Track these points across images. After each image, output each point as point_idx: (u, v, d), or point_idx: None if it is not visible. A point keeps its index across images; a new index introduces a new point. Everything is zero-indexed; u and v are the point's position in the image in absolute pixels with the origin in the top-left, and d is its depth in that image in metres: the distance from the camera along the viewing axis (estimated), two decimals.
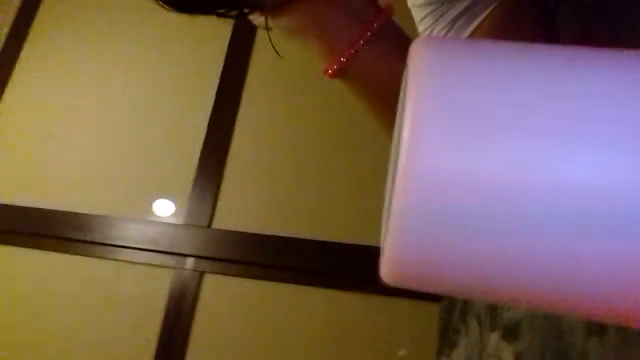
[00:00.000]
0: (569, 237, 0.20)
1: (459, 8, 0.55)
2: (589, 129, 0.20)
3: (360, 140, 1.57)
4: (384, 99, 0.46)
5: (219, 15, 0.48)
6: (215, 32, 1.82)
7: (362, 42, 0.44)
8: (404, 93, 0.22)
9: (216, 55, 1.82)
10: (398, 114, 0.28)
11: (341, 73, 0.45)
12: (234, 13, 0.48)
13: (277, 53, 0.51)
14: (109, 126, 1.84)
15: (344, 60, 0.44)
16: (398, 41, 0.46)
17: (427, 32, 0.57)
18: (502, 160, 0.20)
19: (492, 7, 0.54)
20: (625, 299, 0.21)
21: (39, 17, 2.07)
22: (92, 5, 2.01)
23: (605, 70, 0.21)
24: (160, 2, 0.45)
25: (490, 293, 0.25)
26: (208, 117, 1.75)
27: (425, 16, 0.58)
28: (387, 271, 0.24)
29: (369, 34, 0.44)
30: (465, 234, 0.21)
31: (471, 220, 0.21)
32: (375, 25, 0.44)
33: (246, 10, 0.49)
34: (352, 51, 0.44)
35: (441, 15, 0.57)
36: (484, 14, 0.55)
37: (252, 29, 1.74)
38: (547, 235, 0.21)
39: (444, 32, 0.56)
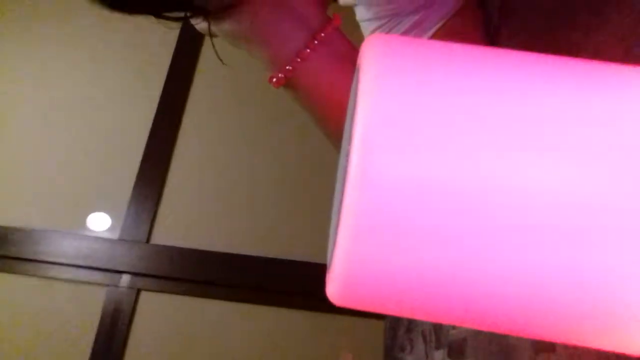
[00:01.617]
0: (522, 248, 0.19)
1: (407, 23, 0.56)
2: (534, 133, 0.19)
3: (305, 153, 1.56)
4: (330, 109, 0.45)
5: (161, 18, 0.45)
6: (159, 40, 1.78)
7: (308, 50, 0.43)
8: (355, 96, 0.21)
9: (159, 67, 1.78)
10: (347, 122, 0.26)
11: (286, 81, 0.44)
12: (176, 17, 0.46)
13: (222, 61, 0.49)
14: (43, 135, 1.74)
15: (290, 68, 0.43)
16: (345, 51, 0.45)
17: None
18: (453, 170, 0.19)
19: (439, 24, 0.55)
20: (573, 314, 0.20)
21: None
22: (35, 11, 1.91)
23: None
24: (102, 3, 0.42)
25: (437, 314, 0.24)
26: (149, 129, 1.70)
27: (374, 30, 0.59)
28: (334, 291, 0.22)
29: (315, 42, 0.43)
30: (414, 249, 0.20)
31: (422, 233, 0.19)
32: (322, 34, 0.43)
33: (188, 15, 0.47)
34: (298, 60, 0.43)
35: (389, 31, 0.57)
36: (432, 31, 0.56)
37: (199, 36, 1.71)
38: (498, 248, 0.19)
39: None
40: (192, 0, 0.43)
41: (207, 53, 1.74)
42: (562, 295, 0.20)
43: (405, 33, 0.55)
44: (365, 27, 0.59)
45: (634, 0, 0.36)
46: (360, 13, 0.59)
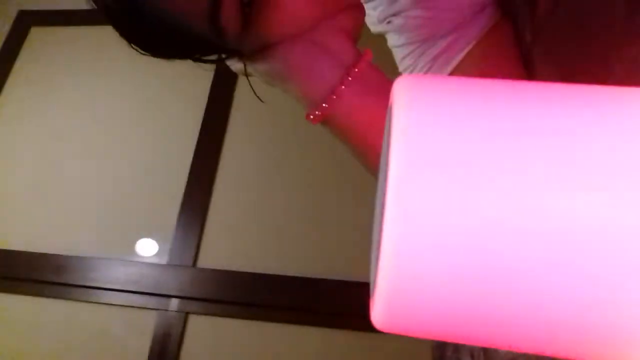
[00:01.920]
0: (570, 283, 0.19)
1: (438, 47, 0.56)
2: (576, 171, 0.19)
3: (347, 178, 1.57)
4: (368, 142, 0.45)
5: (197, 60, 0.48)
6: (198, 72, 1.83)
7: (343, 87, 0.43)
8: (389, 133, 0.22)
9: (200, 94, 1.83)
10: (383, 155, 0.27)
11: (323, 118, 0.44)
12: (211, 59, 0.48)
13: (259, 99, 0.51)
14: (91, 165, 1.82)
15: (326, 105, 0.43)
16: (379, 84, 0.45)
17: (407, 72, 0.58)
18: (494, 205, 0.19)
19: (470, 46, 0.55)
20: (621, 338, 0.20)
21: (20, 61, 2.06)
22: (79, 48, 2.01)
23: (579, 108, 0.21)
24: (139, 50, 0.45)
25: (484, 342, 0.24)
26: (191, 157, 1.74)
27: (406, 56, 0.59)
28: (378, 317, 0.22)
29: (349, 78, 0.43)
30: (458, 282, 0.20)
31: (464, 267, 0.20)
32: (356, 69, 0.43)
33: (224, 56, 0.49)
34: (334, 97, 0.43)
35: (421, 55, 0.57)
36: (463, 53, 0.55)
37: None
38: (546, 282, 0.20)
39: (424, 71, 0.56)
40: (226, 44, 0.44)
41: (244, 79, 1.78)
42: (606, 320, 0.20)
43: (438, 56, 0.55)
44: (397, 53, 0.60)
45: None
46: (392, 39, 0.60)
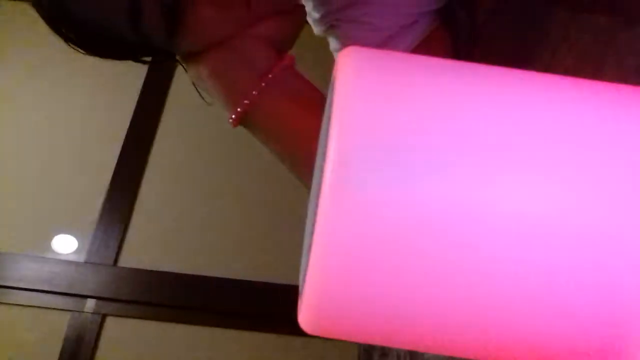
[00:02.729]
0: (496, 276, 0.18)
1: (375, 40, 0.58)
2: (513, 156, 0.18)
3: (272, 179, 1.56)
4: (286, 143, 0.48)
5: (133, 60, 0.51)
6: (131, 68, 1.77)
7: (254, 92, 0.45)
8: (330, 109, 0.20)
9: (132, 87, 1.76)
10: (322, 136, 0.26)
11: (240, 122, 0.47)
12: (143, 60, 0.51)
13: (202, 98, 0.52)
14: (7, 154, 1.70)
15: (240, 110, 0.46)
16: (296, 88, 0.48)
17: None
18: (432, 195, 0.18)
19: (409, 51, 0.57)
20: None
21: None
22: (10, 41, 1.88)
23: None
24: (74, 47, 0.47)
25: (410, 344, 0.23)
26: (119, 151, 1.68)
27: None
28: (305, 319, 0.21)
29: (262, 84, 0.45)
30: (386, 277, 0.19)
31: (395, 260, 0.19)
32: (270, 75, 0.46)
33: (157, 59, 0.52)
34: (247, 101, 0.45)
35: None
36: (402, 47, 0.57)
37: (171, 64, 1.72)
38: (471, 275, 0.19)
39: None
40: (154, 48, 0.47)
41: (179, 75, 1.74)
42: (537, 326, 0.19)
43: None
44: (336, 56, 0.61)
45: (596, 21, 0.37)
46: (333, 43, 0.61)
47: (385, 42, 0.57)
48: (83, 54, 0.48)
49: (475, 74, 0.19)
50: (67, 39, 0.46)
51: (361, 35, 0.58)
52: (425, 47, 0.58)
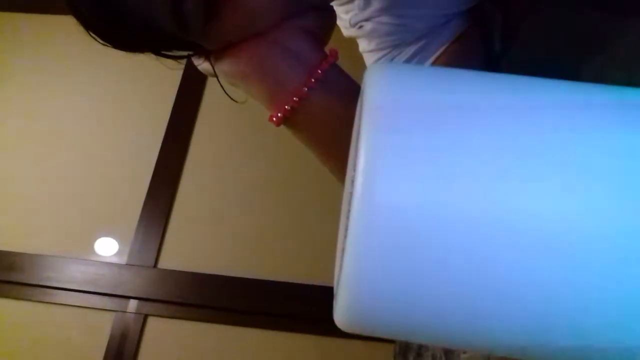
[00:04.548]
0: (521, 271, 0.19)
1: (407, 54, 0.57)
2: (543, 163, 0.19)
3: (308, 181, 1.56)
4: (330, 146, 0.44)
5: (162, 56, 0.46)
6: (166, 72, 1.80)
7: (305, 89, 0.42)
8: (359, 123, 0.21)
9: (167, 95, 1.79)
10: (351, 153, 0.27)
11: (286, 121, 0.43)
12: (176, 55, 0.47)
13: (231, 98, 0.49)
14: (51, 161, 1.76)
15: (288, 107, 0.42)
16: (343, 86, 0.44)
17: None
18: (460, 197, 0.19)
19: (438, 53, 0.57)
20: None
21: None
22: (44, 44, 1.94)
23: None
24: (99, 40, 0.43)
25: (445, 339, 0.24)
26: (157, 153, 1.71)
27: (375, 61, 0.60)
28: (340, 317, 0.22)
29: (312, 80, 0.42)
30: (422, 275, 0.20)
31: (429, 261, 0.19)
32: (319, 71, 0.42)
33: (187, 53, 0.48)
34: (296, 99, 0.42)
35: (390, 61, 0.58)
36: (431, 60, 0.57)
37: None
38: (511, 275, 0.19)
39: None
40: (189, 39, 0.43)
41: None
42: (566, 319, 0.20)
43: (407, 62, 0.57)
44: (368, 58, 0.60)
45: (629, 22, 0.37)
46: (363, 44, 0.60)
47: (418, 42, 0.56)
48: (107, 46, 0.44)
49: (493, 86, 0.20)
50: (98, 32, 0.43)
51: (394, 37, 0.57)
52: (458, 46, 0.57)
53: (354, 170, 0.20)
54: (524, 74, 0.51)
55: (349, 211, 0.21)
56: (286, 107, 0.42)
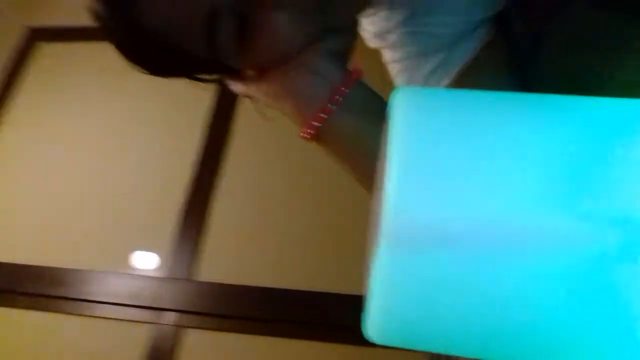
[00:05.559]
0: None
1: (433, 62, 0.57)
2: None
3: (343, 191, 1.57)
4: (358, 160, 0.47)
5: (195, 79, 0.50)
6: (201, 85, 1.83)
7: (330, 106, 0.45)
8: (386, 146, 0.22)
9: (203, 105, 1.83)
10: (379, 169, 0.27)
11: (315, 137, 0.46)
12: (209, 79, 0.51)
13: (263, 116, 0.52)
14: (90, 178, 1.82)
15: (316, 124, 0.45)
16: (369, 102, 0.47)
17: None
18: (487, 215, 0.19)
19: (465, 61, 0.56)
20: None
21: (25, 75, 2.08)
22: (83, 63, 2.02)
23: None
24: (142, 69, 0.47)
25: (477, 351, 0.24)
26: (192, 167, 1.74)
27: (401, 71, 0.59)
28: (371, 329, 0.23)
29: (338, 97, 0.45)
30: (452, 290, 0.20)
31: (458, 274, 0.20)
32: (344, 88, 0.45)
33: (222, 76, 0.52)
34: (323, 116, 0.45)
35: (416, 70, 0.58)
36: (458, 67, 0.56)
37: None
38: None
39: (419, 84, 0.57)
40: (223, 64, 0.46)
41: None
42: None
43: (433, 71, 0.56)
44: (393, 69, 0.60)
45: None
46: (387, 55, 0.60)
47: (443, 51, 0.56)
48: (145, 73, 0.47)
49: (516, 106, 0.21)
50: (133, 58, 0.46)
51: (418, 47, 0.57)
52: (485, 54, 0.56)
53: (382, 188, 0.21)
54: (553, 79, 0.51)
55: (377, 226, 0.22)
56: (314, 123, 0.45)
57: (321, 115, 0.45)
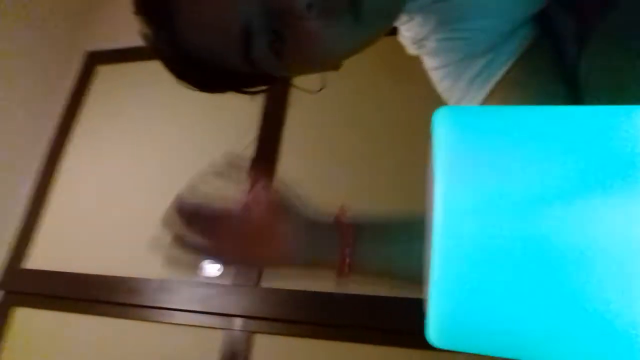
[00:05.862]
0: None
1: (476, 67, 0.56)
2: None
3: (395, 196, 1.56)
4: (397, 276, 0.54)
5: (245, 93, 0.53)
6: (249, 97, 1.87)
7: (348, 260, 0.53)
8: (433, 167, 0.24)
9: (252, 114, 1.86)
10: (429, 174, 0.29)
11: (351, 275, 0.53)
12: (258, 90, 0.54)
13: (313, 91, 0.56)
14: (158, 191, 1.89)
15: (348, 270, 0.54)
16: (378, 235, 0.56)
17: (446, 93, 0.58)
18: (531, 228, 0.21)
19: (510, 63, 0.55)
20: None
21: (88, 98, 2.21)
22: (142, 82, 2.11)
23: None
24: (190, 86, 0.50)
25: (544, 356, 0.25)
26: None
27: (443, 77, 0.59)
28: (434, 335, 0.24)
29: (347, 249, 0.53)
30: (512, 297, 0.21)
31: (515, 285, 0.21)
32: (348, 250, 0.53)
33: (268, 87, 0.54)
34: (346, 268, 0.54)
35: (459, 76, 0.57)
36: (502, 71, 0.55)
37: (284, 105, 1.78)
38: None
39: (463, 91, 0.56)
40: (268, 75, 0.49)
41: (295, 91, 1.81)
42: None
43: (477, 75, 0.55)
44: (434, 75, 0.60)
45: None
46: (427, 62, 0.60)
47: (485, 55, 0.55)
48: (195, 90, 0.50)
49: (557, 119, 0.22)
50: (180, 76, 0.50)
51: (457, 52, 0.56)
52: (529, 57, 0.55)
53: (432, 208, 0.23)
54: (604, 79, 0.50)
55: (431, 240, 0.23)
56: (345, 270, 0.55)
57: (345, 264, 0.52)
